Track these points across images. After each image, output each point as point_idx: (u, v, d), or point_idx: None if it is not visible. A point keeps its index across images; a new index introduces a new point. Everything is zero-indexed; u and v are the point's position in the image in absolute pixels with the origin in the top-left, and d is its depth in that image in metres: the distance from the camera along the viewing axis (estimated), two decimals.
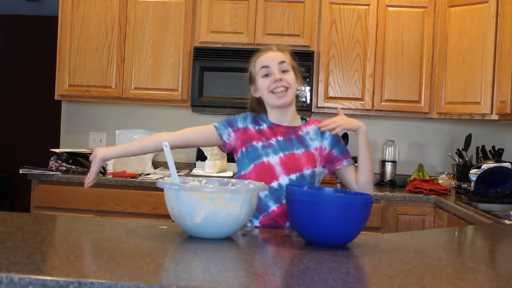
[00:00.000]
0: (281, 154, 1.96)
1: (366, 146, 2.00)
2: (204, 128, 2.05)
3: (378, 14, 3.81)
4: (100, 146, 4.23)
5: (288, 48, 2.06)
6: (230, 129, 2.01)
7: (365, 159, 1.99)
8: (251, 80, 2.04)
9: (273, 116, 2.03)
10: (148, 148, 2.08)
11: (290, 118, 2.03)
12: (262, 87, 1.99)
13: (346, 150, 2.05)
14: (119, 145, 2.10)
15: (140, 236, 1.62)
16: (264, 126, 2.02)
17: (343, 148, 2.05)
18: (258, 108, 2.09)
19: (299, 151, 1.97)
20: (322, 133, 2.02)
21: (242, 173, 1.99)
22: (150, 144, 2.06)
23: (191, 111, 4.06)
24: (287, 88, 1.96)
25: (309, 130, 2.03)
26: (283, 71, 1.97)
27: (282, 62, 1.97)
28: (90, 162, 2.01)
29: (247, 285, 1.19)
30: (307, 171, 1.95)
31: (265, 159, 1.95)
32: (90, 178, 1.97)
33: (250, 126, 2.02)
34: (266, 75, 1.97)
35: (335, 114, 3.65)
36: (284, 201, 1.91)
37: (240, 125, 2.02)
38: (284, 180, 1.93)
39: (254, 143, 1.98)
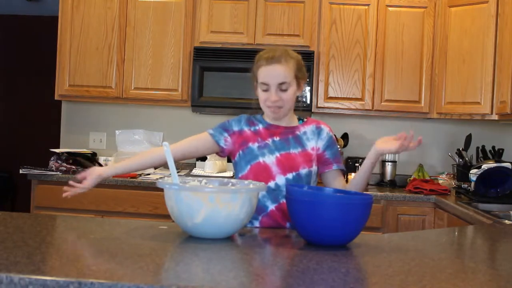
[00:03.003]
0: (277, 154, 1.96)
1: (370, 169, 1.96)
2: (200, 137, 2.04)
3: (378, 14, 3.81)
4: (100, 146, 4.24)
5: (292, 55, 1.97)
6: (226, 134, 2.01)
7: (368, 177, 1.96)
8: (254, 79, 2.04)
9: (270, 118, 2.03)
10: (147, 163, 2.05)
11: (287, 119, 2.03)
12: (260, 98, 1.99)
13: (338, 154, 2.05)
14: (117, 163, 2.07)
15: (140, 236, 1.62)
16: (260, 127, 2.02)
17: (336, 152, 2.04)
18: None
19: (295, 151, 1.97)
20: (319, 134, 2.02)
21: (240, 175, 1.99)
22: (148, 159, 2.04)
23: (191, 111, 4.06)
24: (281, 107, 1.95)
25: (307, 130, 2.03)
26: (282, 90, 1.94)
27: (282, 83, 1.93)
28: (79, 179, 1.92)
29: (247, 285, 1.19)
30: (303, 171, 1.95)
31: (261, 159, 1.95)
32: (77, 189, 1.90)
33: (245, 128, 2.02)
34: (265, 90, 1.95)
35: (335, 114, 3.64)
36: (281, 201, 1.92)
37: (235, 128, 2.02)
38: (280, 179, 1.93)
39: (250, 144, 1.98)
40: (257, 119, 2.05)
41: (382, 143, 1.93)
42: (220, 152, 2.05)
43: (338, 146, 2.08)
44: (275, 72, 1.93)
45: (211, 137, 2.02)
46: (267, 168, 1.94)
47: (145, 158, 2.05)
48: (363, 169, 1.94)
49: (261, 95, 1.97)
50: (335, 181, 2.02)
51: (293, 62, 1.96)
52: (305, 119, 2.08)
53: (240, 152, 1.99)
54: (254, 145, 1.98)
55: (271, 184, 1.93)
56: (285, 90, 1.94)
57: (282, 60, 1.94)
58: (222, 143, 2.01)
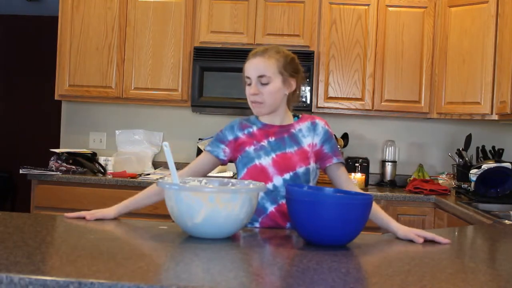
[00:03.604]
0: (273, 155, 1.95)
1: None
2: (202, 159, 2.03)
3: (378, 14, 3.81)
4: (100, 146, 4.23)
5: (279, 51, 1.97)
6: (222, 146, 2.01)
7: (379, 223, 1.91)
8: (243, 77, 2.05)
9: (264, 117, 2.02)
10: (152, 197, 1.97)
11: (281, 117, 2.01)
12: (246, 94, 1.99)
13: (336, 147, 2.02)
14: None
15: (140, 236, 1.62)
16: (254, 129, 2.01)
17: (334, 145, 2.02)
18: None
19: (291, 150, 1.96)
20: (315, 129, 2.00)
21: (239, 178, 1.99)
22: (152, 191, 1.97)
23: (191, 111, 4.07)
24: (262, 102, 1.94)
25: (302, 127, 2.01)
26: (262, 84, 1.93)
27: (261, 76, 1.92)
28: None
29: (247, 285, 1.19)
30: (300, 169, 1.94)
31: (257, 161, 1.95)
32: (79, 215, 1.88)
33: (239, 134, 2.01)
34: (249, 84, 1.96)
35: (335, 114, 3.61)
36: (280, 202, 1.91)
37: (230, 137, 2.01)
38: (278, 180, 1.92)
39: (247, 148, 1.98)
40: (251, 121, 2.04)
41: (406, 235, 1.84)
42: (222, 164, 2.06)
43: (335, 139, 2.06)
44: (255, 65, 1.94)
45: (210, 153, 2.01)
46: (264, 169, 1.94)
47: (147, 192, 2.00)
48: (380, 222, 1.90)
49: (246, 90, 1.98)
50: (337, 174, 2.00)
51: (278, 57, 1.94)
52: (300, 116, 2.07)
53: (239, 156, 2.00)
54: (250, 148, 1.97)
55: (269, 185, 1.92)
56: (265, 84, 1.93)
57: (265, 55, 1.94)
58: (221, 156, 2.01)
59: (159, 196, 1.93)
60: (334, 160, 1.99)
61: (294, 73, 1.98)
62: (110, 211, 1.93)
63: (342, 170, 2.02)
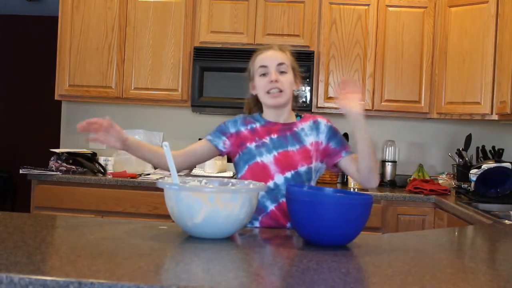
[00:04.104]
0: (275, 152, 1.95)
1: (362, 132, 1.91)
2: (200, 145, 2.03)
3: (378, 14, 3.81)
4: (100, 146, 4.21)
5: (289, 48, 2.04)
6: (224, 138, 2.01)
7: (362, 146, 1.90)
8: (250, 77, 2.04)
9: (269, 114, 2.03)
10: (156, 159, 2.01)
11: (286, 115, 2.02)
12: (259, 86, 1.98)
13: (343, 140, 2.01)
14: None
15: (140, 236, 1.62)
16: (257, 125, 2.01)
17: (341, 139, 2.01)
18: (255, 108, 2.09)
19: (293, 148, 1.96)
20: (317, 127, 2.00)
21: (239, 175, 1.99)
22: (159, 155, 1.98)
23: (191, 111, 4.07)
24: (281, 90, 1.95)
25: (305, 126, 2.01)
26: (281, 72, 1.96)
27: (280, 63, 1.96)
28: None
29: (247, 285, 1.19)
30: (302, 168, 1.93)
31: (259, 159, 1.95)
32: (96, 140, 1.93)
33: (242, 129, 2.01)
34: (264, 74, 1.96)
35: (335, 114, 3.62)
36: (281, 200, 1.91)
37: (232, 130, 2.02)
38: (279, 179, 1.92)
39: (248, 144, 1.98)
40: (254, 117, 2.05)
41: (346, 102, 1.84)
42: (219, 154, 2.06)
43: (340, 133, 2.04)
44: (274, 54, 1.98)
45: (210, 143, 2.01)
46: (266, 167, 1.93)
47: (157, 153, 2.00)
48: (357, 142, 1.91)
49: (260, 82, 1.97)
50: (349, 165, 1.98)
51: (289, 53, 2.02)
52: (302, 115, 2.07)
53: (240, 152, 1.99)
54: (251, 145, 1.97)
55: (270, 183, 1.92)
56: (284, 73, 1.96)
57: (279, 48, 2.01)
58: (221, 147, 2.01)
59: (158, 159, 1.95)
60: (343, 154, 1.98)
61: (299, 72, 2.04)
62: (124, 137, 2.01)
63: (353, 160, 1.98)
